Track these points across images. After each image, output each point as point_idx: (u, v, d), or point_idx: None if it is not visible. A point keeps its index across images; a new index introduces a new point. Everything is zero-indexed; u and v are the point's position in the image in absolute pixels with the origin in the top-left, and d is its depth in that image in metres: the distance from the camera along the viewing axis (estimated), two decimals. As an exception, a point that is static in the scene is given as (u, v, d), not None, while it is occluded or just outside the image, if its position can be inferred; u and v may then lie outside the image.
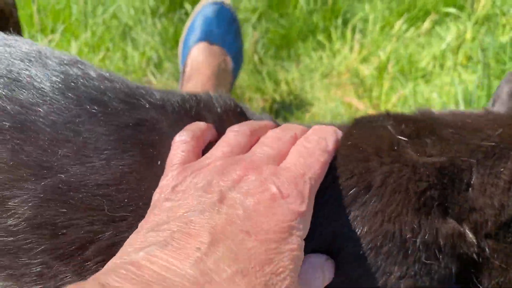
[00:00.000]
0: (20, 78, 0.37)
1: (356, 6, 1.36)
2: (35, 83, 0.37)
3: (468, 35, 1.08)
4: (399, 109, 0.90)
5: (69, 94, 0.36)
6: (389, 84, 0.98)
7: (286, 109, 1.01)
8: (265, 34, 1.31)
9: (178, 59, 0.90)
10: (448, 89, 1.01)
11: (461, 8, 1.22)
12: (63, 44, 1.27)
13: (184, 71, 0.87)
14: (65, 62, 0.39)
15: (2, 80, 0.37)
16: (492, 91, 0.78)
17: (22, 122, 0.34)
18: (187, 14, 1.49)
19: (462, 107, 0.79)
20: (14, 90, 0.36)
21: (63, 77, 0.37)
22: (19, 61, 0.38)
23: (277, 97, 1.06)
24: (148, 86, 0.41)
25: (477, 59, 1.06)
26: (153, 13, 1.49)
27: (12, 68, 0.38)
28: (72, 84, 0.37)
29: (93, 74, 0.39)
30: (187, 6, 1.50)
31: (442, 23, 1.24)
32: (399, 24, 1.25)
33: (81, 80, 0.38)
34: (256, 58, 1.14)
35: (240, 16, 1.39)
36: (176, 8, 1.52)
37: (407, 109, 0.88)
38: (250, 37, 1.21)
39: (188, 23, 0.88)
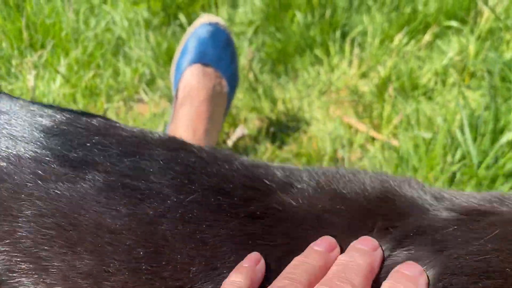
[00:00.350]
0: (137, 184, 0.31)
1: (354, 18, 1.33)
2: (154, 185, 0.31)
3: (471, 50, 1.05)
4: (401, 131, 0.86)
5: (192, 188, 0.32)
6: (390, 104, 0.95)
7: (283, 130, 0.97)
8: (261, 48, 1.28)
9: (170, 82, 0.86)
10: (451, 108, 0.98)
11: (463, 21, 1.19)
12: (54, 61, 1.23)
13: (176, 95, 0.83)
14: (171, 147, 0.34)
15: (123, 191, 0.31)
16: (500, 115, 0.75)
17: (155, 244, 0.30)
18: (181, 26, 1.46)
19: (467, 132, 0.75)
20: (138, 204, 0.31)
21: (179, 169, 0.32)
22: (129, 158, 0.33)
23: (273, 117, 1.02)
24: (264, 163, 0.35)
25: (480, 75, 1.02)
26: (146, 25, 1.46)
27: (123, 170, 0.32)
28: (193, 176, 0.32)
29: (206, 155, 0.34)
30: (182, 17, 1.46)
31: (444, 36, 1.21)
32: (399, 38, 1.22)
33: (199, 168, 0.33)
34: (251, 76, 1.10)
35: (236, 29, 1.36)
36: (170, 19, 1.48)
37: (411, 131, 0.84)
38: (245, 53, 1.18)
39: (180, 45, 0.85)
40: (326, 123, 0.98)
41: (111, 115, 1.06)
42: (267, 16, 1.35)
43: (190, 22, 1.48)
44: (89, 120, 0.35)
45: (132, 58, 1.27)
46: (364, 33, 1.28)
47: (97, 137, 0.33)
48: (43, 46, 1.28)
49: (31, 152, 0.31)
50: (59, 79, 1.15)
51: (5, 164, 0.30)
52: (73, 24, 1.36)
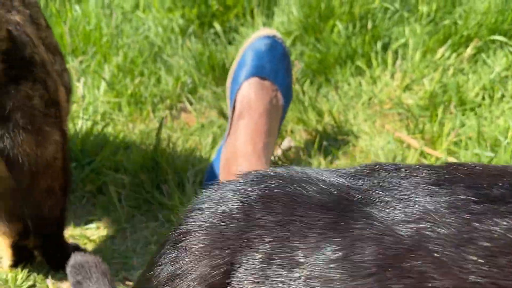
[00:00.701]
0: None
1: (394, 30, 1.32)
2: None
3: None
4: (460, 149, 0.85)
5: None
6: (449, 119, 0.94)
7: (331, 143, 0.97)
8: (300, 58, 1.28)
9: (226, 94, 0.87)
10: (500, 124, 0.97)
11: (509, 35, 1.18)
12: (95, 67, 1.23)
13: (234, 108, 0.83)
14: None
15: None
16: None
17: None
18: (216, 34, 1.46)
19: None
20: None
21: None
22: None
23: (320, 129, 1.02)
24: None
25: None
26: (182, 32, 1.46)
27: None
28: None
29: None
30: (217, 26, 1.47)
31: (488, 50, 1.20)
32: (441, 51, 1.21)
33: None
34: (297, 87, 1.10)
35: (275, 39, 1.36)
36: (204, 28, 1.48)
37: (471, 150, 0.83)
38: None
39: (238, 58, 0.85)
40: (375, 136, 0.98)
41: (157, 124, 1.06)
42: (306, 26, 1.35)
43: (225, 30, 1.49)
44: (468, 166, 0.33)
45: (172, 66, 1.27)
46: (405, 45, 1.28)
47: (488, 178, 0.31)
48: (84, 53, 1.29)
49: (443, 203, 0.29)
50: (103, 86, 1.15)
51: (424, 225, 0.28)
52: (112, 31, 1.37)
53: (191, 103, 1.14)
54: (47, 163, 0.59)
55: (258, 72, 0.83)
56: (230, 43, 1.45)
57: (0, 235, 0.66)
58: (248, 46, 0.84)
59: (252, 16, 1.53)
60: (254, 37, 0.84)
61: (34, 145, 0.56)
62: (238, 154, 0.77)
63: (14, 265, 0.71)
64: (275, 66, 0.84)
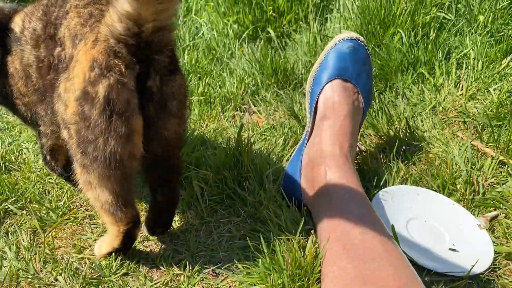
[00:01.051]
0: None
1: (455, 40, 1.32)
2: None
3: None
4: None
5: None
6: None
7: (406, 149, 0.97)
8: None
9: (306, 96, 0.88)
10: None
11: None
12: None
13: (316, 108, 0.84)
14: None
15: None
16: None
17: None
18: (269, 40, 1.48)
19: None
20: None
21: None
22: None
23: (391, 134, 1.02)
24: None
25: None
26: (236, 36, 1.49)
27: None
28: None
29: None
30: (271, 31, 1.49)
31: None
32: (506, 61, 1.21)
33: None
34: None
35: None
36: (258, 33, 1.51)
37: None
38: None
39: (320, 59, 0.86)
40: (448, 143, 0.98)
41: (226, 124, 1.08)
42: (365, 33, 1.36)
43: (277, 36, 1.51)
44: None
45: (233, 69, 1.29)
46: (466, 55, 1.28)
47: None
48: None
49: None
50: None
51: None
52: (177, 32, 1.40)
53: (254, 105, 1.16)
54: (181, 137, 0.71)
55: (341, 74, 0.84)
56: (282, 48, 1.47)
57: (115, 223, 0.68)
58: (331, 48, 0.86)
59: (306, 22, 1.55)
60: (337, 39, 0.86)
61: (178, 126, 0.66)
62: (325, 155, 0.78)
63: (113, 252, 0.73)
64: (357, 68, 0.85)
